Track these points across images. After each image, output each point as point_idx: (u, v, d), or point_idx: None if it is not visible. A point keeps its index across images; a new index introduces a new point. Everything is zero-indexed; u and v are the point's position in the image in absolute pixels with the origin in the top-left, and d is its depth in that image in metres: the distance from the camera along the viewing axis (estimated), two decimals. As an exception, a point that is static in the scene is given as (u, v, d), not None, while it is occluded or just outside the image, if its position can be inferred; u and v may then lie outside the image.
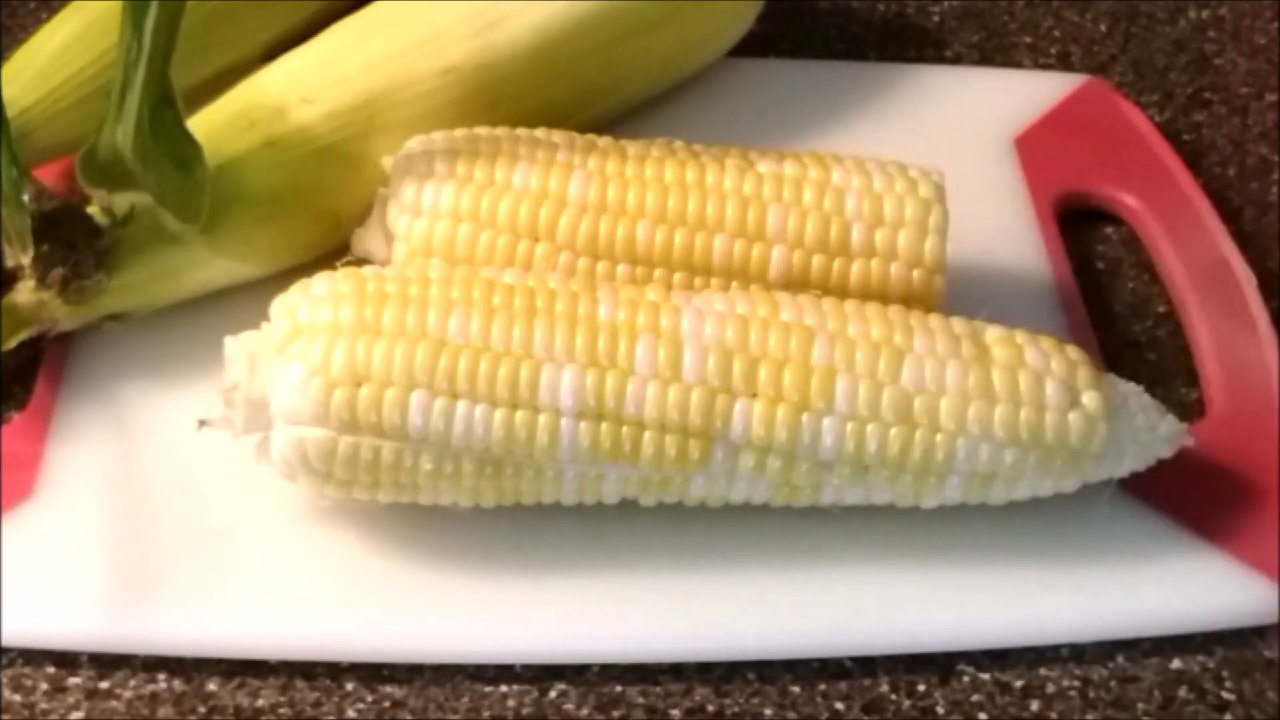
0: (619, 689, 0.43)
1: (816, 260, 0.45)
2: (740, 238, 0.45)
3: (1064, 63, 0.64)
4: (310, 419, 0.39)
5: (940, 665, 0.44)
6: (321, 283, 0.41)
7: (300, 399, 0.39)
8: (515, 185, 0.45)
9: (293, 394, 0.39)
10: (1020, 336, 0.43)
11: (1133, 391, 0.44)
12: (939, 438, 0.41)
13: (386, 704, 0.42)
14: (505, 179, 0.45)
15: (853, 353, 0.41)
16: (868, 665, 0.43)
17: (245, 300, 0.47)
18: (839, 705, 0.43)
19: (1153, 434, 0.43)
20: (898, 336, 0.42)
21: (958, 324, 0.43)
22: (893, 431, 0.41)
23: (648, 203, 0.45)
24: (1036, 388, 0.42)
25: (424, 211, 0.45)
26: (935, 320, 0.43)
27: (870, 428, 0.41)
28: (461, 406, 0.39)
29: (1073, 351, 0.43)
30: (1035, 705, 0.43)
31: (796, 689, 0.43)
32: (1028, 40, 0.65)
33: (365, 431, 0.40)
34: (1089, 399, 0.42)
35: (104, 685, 0.42)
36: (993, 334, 0.43)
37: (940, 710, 0.43)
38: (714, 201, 0.45)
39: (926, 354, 0.41)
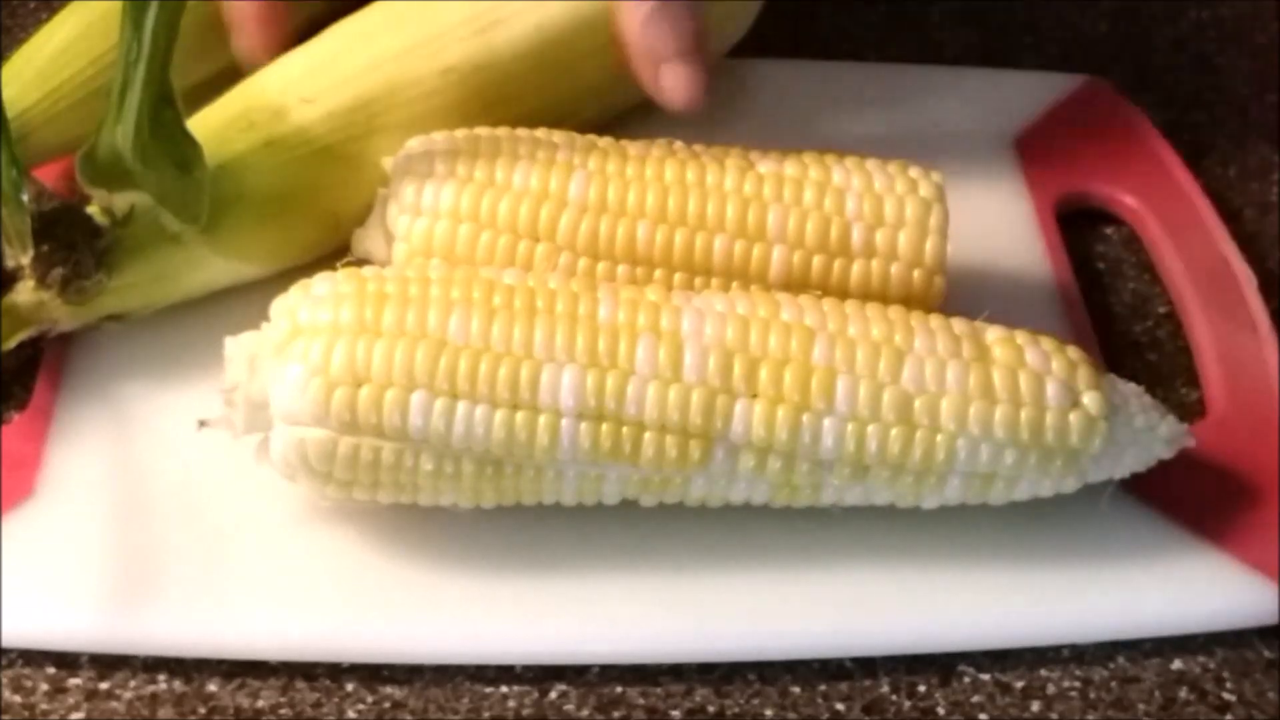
0: (619, 690, 0.43)
1: (817, 260, 0.45)
2: (740, 238, 0.45)
3: (1064, 63, 0.64)
4: (310, 419, 0.39)
5: (941, 666, 0.44)
6: (321, 283, 0.41)
7: (300, 399, 0.39)
8: (515, 185, 0.45)
9: (293, 394, 0.39)
10: (1020, 337, 0.43)
11: (1133, 392, 0.44)
12: (939, 438, 0.41)
13: (387, 705, 0.42)
14: (505, 179, 0.45)
15: (853, 353, 0.41)
16: (868, 666, 0.43)
17: (245, 300, 0.47)
18: (839, 706, 0.43)
19: (1153, 435, 0.43)
20: (898, 337, 0.42)
21: (958, 324, 0.43)
22: (893, 432, 0.41)
23: (648, 203, 0.45)
24: (1037, 388, 0.42)
25: (424, 211, 0.45)
26: (935, 320, 0.43)
27: (871, 428, 0.41)
28: (462, 407, 0.39)
29: (1073, 352, 0.43)
30: (1036, 706, 0.43)
31: (797, 690, 0.43)
32: (1028, 40, 0.65)
33: (365, 432, 0.39)
34: (1089, 399, 0.42)
35: (104, 686, 0.42)
36: (993, 334, 0.43)
37: (941, 711, 0.43)
38: (714, 201, 0.45)
39: (927, 354, 0.41)
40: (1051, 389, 0.42)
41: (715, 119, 0.56)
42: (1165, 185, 0.57)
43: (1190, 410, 0.50)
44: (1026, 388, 0.42)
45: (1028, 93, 0.60)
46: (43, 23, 0.51)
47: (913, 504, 0.43)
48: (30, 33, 0.51)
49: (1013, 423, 0.41)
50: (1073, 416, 0.42)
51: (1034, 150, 0.57)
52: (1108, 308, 0.54)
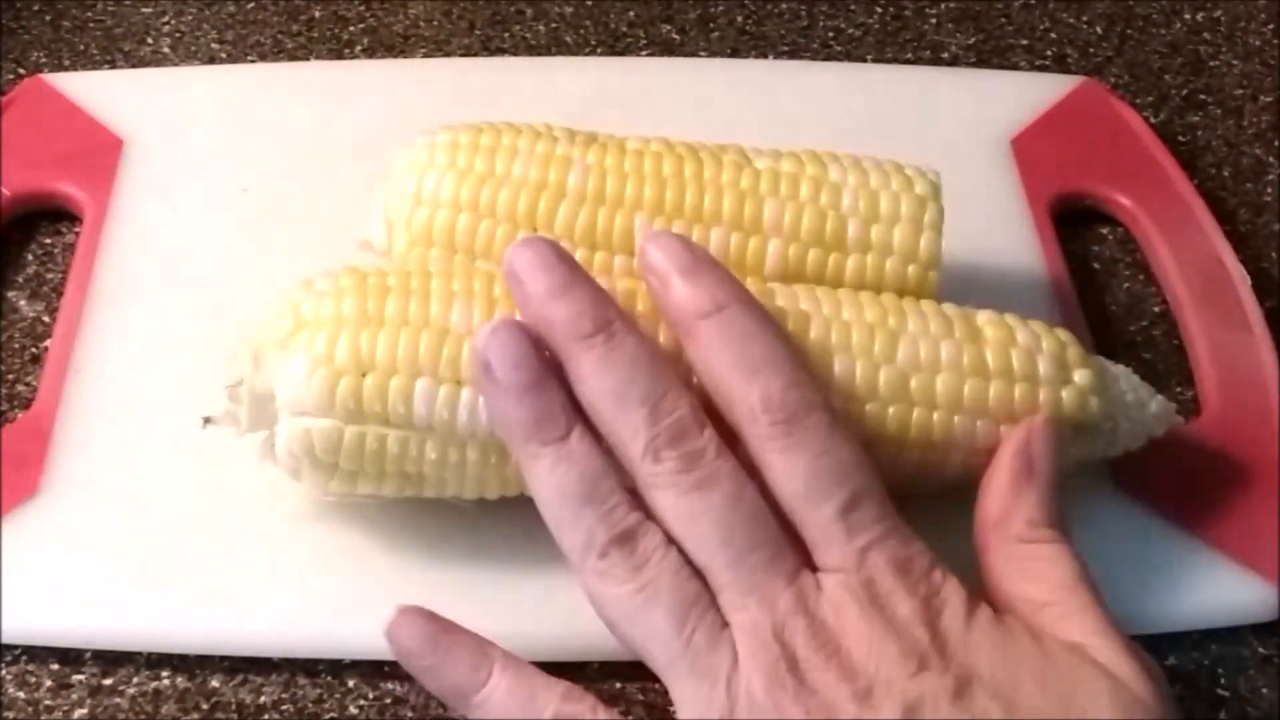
0: (619, 685, 0.43)
1: (812, 254, 0.45)
2: (737, 231, 0.45)
3: (1060, 64, 0.65)
4: (315, 409, 0.39)
5: (938, 661, 0.44)
6: (323, 278, 0.41)
7: (305, 389, 0.39)
8: (515, 176, 0.45)
9: (297, 384, 0.39)
10: (1011, 319, 0.43)
11: (1122, 372, 0.44)
12: (936, 415, 0.41)
13: (388, 700, 0.42)
14: (505, 170, 0.45)
15: (849, 334, 0.41)
16: (866, 661, 0.44)
17: (247, 299, 0.47)
18: (837, 701, 0.43)
19: (1144, 411, 0.44)
20: (891, 319, 0.42)
21: (949, 308, 0.43)
22: (890, 410, 0.41)
23: (645, 195, 0.45)
24: (1029, 365, 0.42)
25: (425, 201, 0.45)
26: (927, 304, 0.43)
27: (869, 407, 0.41)
28: (466, 394, 0.40)
29: (1062, 333, 0.43)
30: (1032, 701, 0.43)
31: (795, 685, 0.43)
32: (1024, 42, 0.66)
33: (370, 420, 0.40)
34: (1080, 376, 0.42)
35: (107, 682, 0.42)
36: (984, 317, 0.43)
37: (938, 706, 0.43)
38: (711, 195, 0.45)
39: (920, 334, 0.42)
40: (1044, 366, 0.42)
41: (715, 119, 0.56)
42: (1160, 186, 0.57)
43: (1185, 409, 0.50)
44: (1019, 365, 0.42)
45: (1024, 93, 0.60)
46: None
47: (912, 486, 0.43)
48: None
49: (1007, 399, 0.41)
50: (1065, 392, 0.42)
51: (1030, 150, 0.58)
52: (1103, 307, 0.54)
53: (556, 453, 0.38)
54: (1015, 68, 0.64)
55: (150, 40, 0.62)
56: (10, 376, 0.49)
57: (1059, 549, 0.39)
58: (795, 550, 0.37)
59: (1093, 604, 0.38)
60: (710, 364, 0.39)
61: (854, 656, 0.35)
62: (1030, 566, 0.39)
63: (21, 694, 0.42)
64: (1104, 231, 0.57)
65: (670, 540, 0.37)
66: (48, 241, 0.54)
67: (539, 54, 0.63)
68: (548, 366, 0.38)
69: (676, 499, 0.37)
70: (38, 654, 0.43)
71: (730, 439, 0.38)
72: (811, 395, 0.38)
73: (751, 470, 0.38)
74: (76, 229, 0.53)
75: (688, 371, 0.40)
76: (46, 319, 0.51)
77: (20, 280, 0.52)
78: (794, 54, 0.64)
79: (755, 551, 0.36)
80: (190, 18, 0.64)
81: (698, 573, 0.37)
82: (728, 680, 0.35)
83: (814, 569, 0.37)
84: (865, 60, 0.64)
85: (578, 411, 0.38)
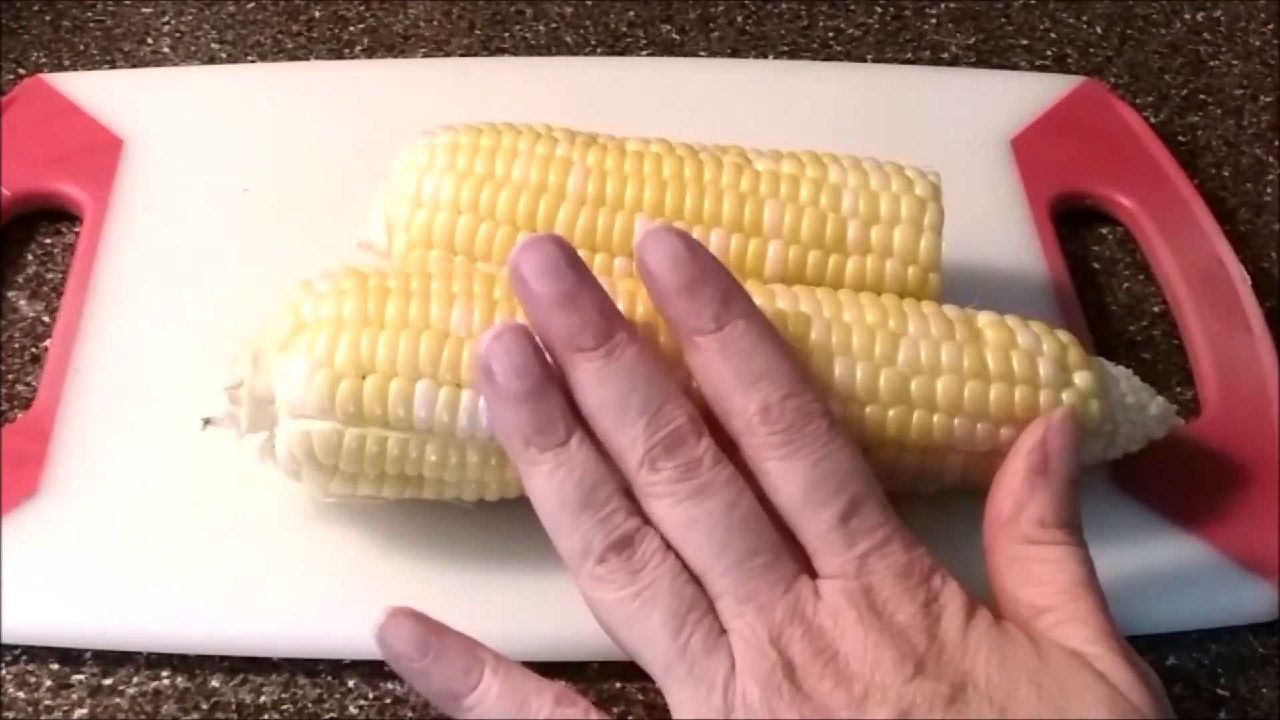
0: (619, 685, 0.43)
1: (812, 256, 0.45)
2: (737, 232, 0.45)
3: (1060, 64, 0.65)
4: (315, 411, 0.39)
5: (938, 661, 0.44)
6: (323, 279, 0.41)
7: (305, 391, 0.39)
8: (515, 178, 0.45)
9: (298, 387, 0.39)
10: (1012, 320, 0.43)
11: (1123, 374, 0.44)
12: (936, 418, 0.41)
13: (388, 700, 0.42)
14: (505, 172, 0.45)
15: (849, 336, 0.41)
16: (865, 661, 0.44)
17: (247, 299, 0.47)
18: (837, 701, 0.43)
19: (1144, 413, 0.44)
20: (892, 321, 0.42)
21: (950, 310, 0.43)
22: (891, 413, 0.41)
23: (645, 197, 0.45)
24: (1030, 367, 0.42)
25: (424, 203, 0.45)
26: (928, 306, 0.43)
27: (869, 410, 0.41)
28: (466, 396, 0.40)
29: (1063, 334, 0.43)
30: (1032, 701, 0.43)
31: (795, 685, 0.43)
32: (1024, 42, 0.66)
33: (371, 423, 0.40)
34: (1081, 378, 0.42)
35: (107, 682, 0.42)
36: (984, 318, 0.43)
37: (938, 706, 0.43)
38: (711, 196, 0.45)
39: (921, 336, 0.42)
40: (1044, 368, 0.42)
41: (714, 119, 0.56)
42: (1160, 185, 0.57)
43: (1185, 409, 0.50)
44: (1020, 367, 0.42)
45: (1024, 93, 0.60)
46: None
47: (913, 487, 0.43)
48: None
49: (1007, 401, 0.41)
50: (1066, 395, 0.42)
51: (1030, 150, 0.58)
52: (1103, 307, 0.54)
53: (556, 459, 0.38)
54: (1015, 68, 0.64)
55: (150, 40, 0.62)
56: (10, 376, 0.49)
57: (1067, 551, 0.39)
58: (794, 557, 0.37)
59: (1094, 610, 0.38)
60: (709, 375, 0.39)
61: (850, 663, 0.35)
62: (1035, 569, 0.39)
63: (21, 694, 0.42)
64: (1104, 231, 0.57)
65: (668, 546, 0.37)
66: (48, 241, 0.54)
67: (539, 54, 0.63)
68: (549, 372, 0.38)
69: (673, 507, 0.37)
70: (38, 654, 0.43)
71: (730, 447, 0.38)
72: (810, 404, 0.38)
73: (750, 479, 0.38)
74: (76, 229, 0.53)
75: (688, 375, 0.40)
76: (46, 319, 0.51)
77: (20, 280, 0.52)
78: (794, 54, 0.64)
79: (752, 558, 0.36)
80: (190, 18, 0.64)
81: (696, 579, 0.37)
82: (724, 686, 0.36)
83: (814, 575, 0.37)
84: (865, 60, 0.64)
85: (578, 416, 0.38)
